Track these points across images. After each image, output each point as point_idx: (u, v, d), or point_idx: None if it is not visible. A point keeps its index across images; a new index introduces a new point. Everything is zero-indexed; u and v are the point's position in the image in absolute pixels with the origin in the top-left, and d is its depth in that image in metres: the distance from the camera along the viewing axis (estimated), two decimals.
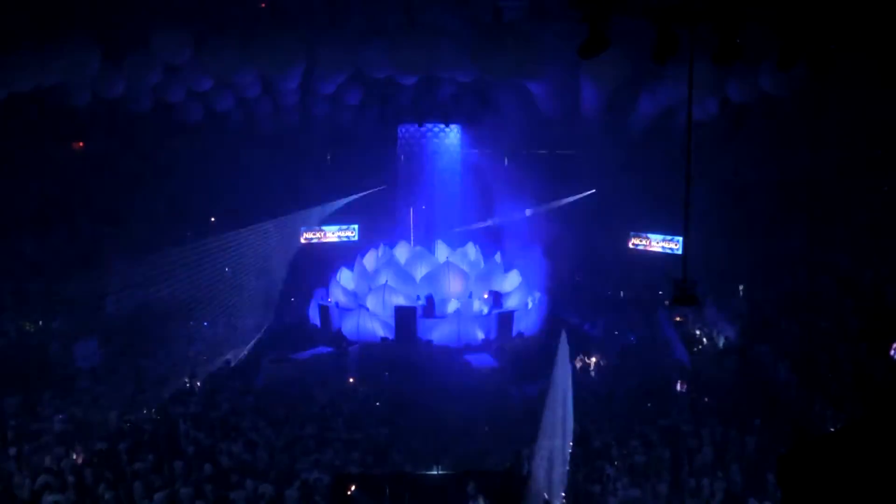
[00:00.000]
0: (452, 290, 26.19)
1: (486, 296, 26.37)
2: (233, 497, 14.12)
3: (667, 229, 31.46)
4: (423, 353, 23.97)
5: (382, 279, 26.13)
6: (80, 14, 19.31)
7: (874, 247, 24.15)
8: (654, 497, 14.58)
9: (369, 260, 27.85)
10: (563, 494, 14.30)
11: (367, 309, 25.41)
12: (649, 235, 33.62)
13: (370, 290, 26.32)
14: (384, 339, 24.83)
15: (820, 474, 6.20)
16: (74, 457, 15.78)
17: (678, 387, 21.05)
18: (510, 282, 27.49)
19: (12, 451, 15.88)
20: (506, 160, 36.91)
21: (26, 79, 19.56)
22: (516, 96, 27.75)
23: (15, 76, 19.41)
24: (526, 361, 23.79)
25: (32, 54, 18.92)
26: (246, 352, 24.96)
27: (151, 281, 29.12)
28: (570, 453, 16.24)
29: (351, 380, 21.91)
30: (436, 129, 28.79)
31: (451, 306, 25.53)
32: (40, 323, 24.84)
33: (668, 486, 14.80)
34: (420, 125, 28.94)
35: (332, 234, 35.56)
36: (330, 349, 24.39)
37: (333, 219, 35.43)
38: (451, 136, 33.44)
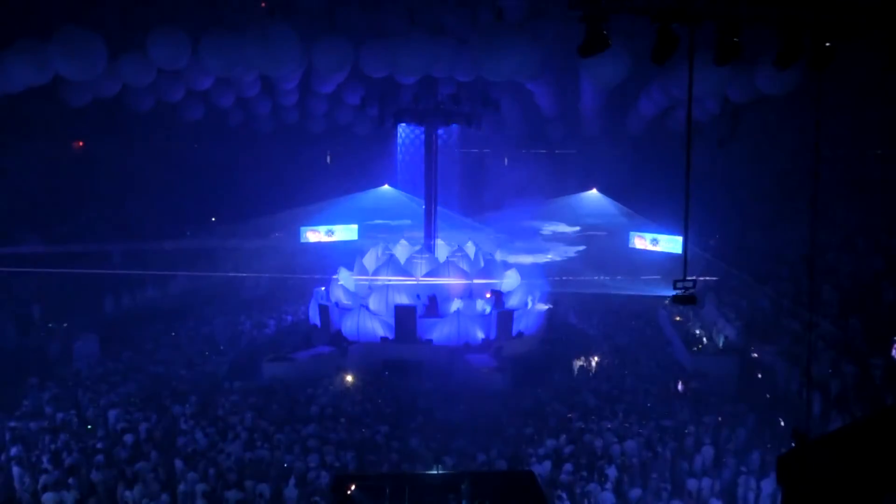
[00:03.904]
0: (453, 289, 26.18)
1: (488, 295, 26.38)
2: (232, 497, 14.14)
3: (667, 229, 31.50)
4: (423, 352, 23.97)
5: (383, 279, 26.13)
6: (78, 13, 19.35)
7: (874, 246, 24.17)
8: (655, 496, 14.59)
9: (369, 260, 27.84)
10: (564, 494, 14.30)
11: (368, 308, 25.40)
12: (649, 235, 33.68)
13: (370, 289, 26.31)
14: (384, 339, 24.83)
15: (820, 474, 6.20)
16: (74, 456, 15.75)
17: (678, 387, 21.05)
18: (510, 281, 27.48)
19: (13, 450, 15.89)
20: (506, 160, 37.02)
21: (24, 77, 19.60)
22: (516, 96, 27.78)
23: (13, 74, 19.46)
24: (526, 361, 23.81)
25: (31, 52, 18.95)
26: (246, 352, 24.92)
27: (151, 280, 29.18)
28: (571, 453, 16.26)
29: (348, 378, 21.90)
30: (435, 129, 28.76)
31: (454, 306, 25.53)
32: (40, 323, 24.81)
33: (668, 486, 14.80)
34: (420, 124, 28.91)
35: (331, 233, 35.58)
36: (330, 349, 24.38)
37: (333, 218, 35.47)
38: (451, 136, 33.46)
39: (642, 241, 33.95)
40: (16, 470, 15.01)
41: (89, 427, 17.76)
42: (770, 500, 14.29)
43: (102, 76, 20.73)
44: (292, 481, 14.47)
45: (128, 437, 16.87)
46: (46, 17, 19.07)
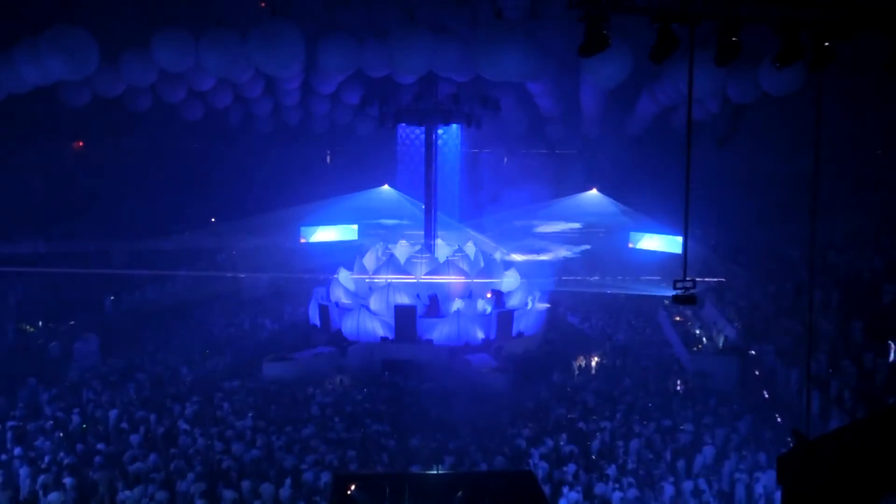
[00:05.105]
0: (453, 289, 26.18)
1: (489, 295, 26.38)
2: (232, 496, 14.14)
3: (667, 229, 31.49)
4: (423, 352, 23.95)
5: (384, 278, 26.12)
6: (79, 13, 19.37)
7: (874, 246, 24.16)
8: (655, 496, 14.59)
9: (369, 260, 27.84)
10: (565, 494, 14.30)
11: (368, 308, 25.39)
12: (650, 235, 33.68)
13: (371, 289, 26.29)
14: (384, 339, 24.82)
15: (820, 474, 6.21)
16: (74, 456, 15.77)
17: (678, 387, 21.06)
18: (510, 281, 27.47)
19: (17, 450, 15.90)
20: (505, 159, 37.04)
21: (30, 77, 19.63)
22: (516, 96, 27.76)
23: (14, 75, 19.48)
24: (526, 361, 23.81)
25: (31, 53, 18.97)
26: (246, 352, 24.90)
27: (151, 280, 29.18)
28: (571, 452, 16.27)
29: (349, 378, 21.92)
30: (435, 129, 28.74)
31: (455, 305, 25.51)
32: (40, 323, 24.81)
33: (668, 486, 14.79)
34: (420, 124, 28.89)
35: (331, 233, 35.57)
36: (330, 349, 24.36)
37: (333, 218, 35.46)
38: (451, 136, 33.42)
39: (643, 242, 33.95)
40: (22, 470, 15.02)
41: (84, 426, 17.76)
42: (769, 500, 14.30)
43: (101, 76, 20.75)
44: (288, 482, 14.49)
45: (127, 437, 16.90)
46: (50, 17, 19.08)
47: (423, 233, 28.65)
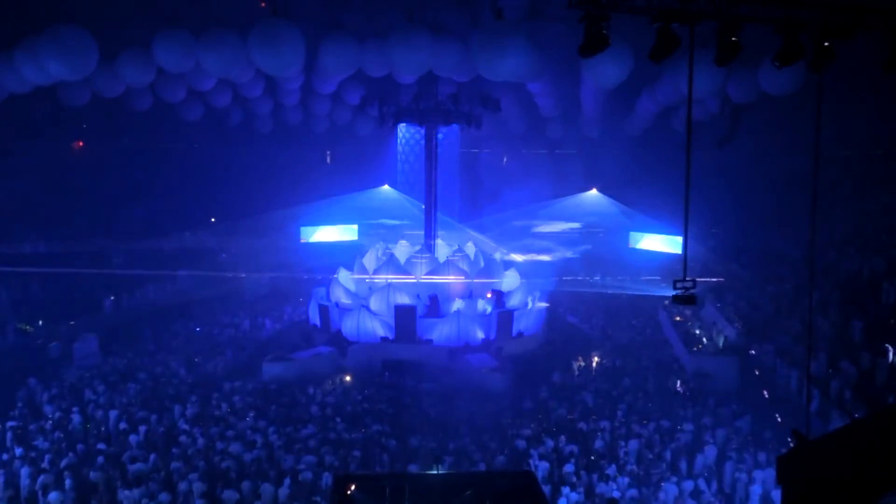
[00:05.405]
0: (453, 289, 26.18)
1: (489, 295, 26.39)
2: (231, 497, 14.14)
3: (667, 229, 31.51)
4: (423, 352, 23.95)
5: (384, 279, 26.11)
6: (80, 13, 19.40)
7: (874, 246, 24.16)
8: (655, 496, 14.59)
9: (369, 260, 27.84)
10: (565, 494, 14.30)
11: (368, 308, 25.39)
12: (650, 235, 33.71)
13: (371, 289, 26.29)
14: (384, 339, 24.81)
15: (820, 474, 6.21)
16: (73, 456, 15.76)
17: (678, 387, 21.07)
18: (510, 281, 27.47)
19: (18, 450, 15.90)
20: (505, 159, 37.07)
21: (25, 78, 19.65)
22: (516, 96, 27.79)
23: (14, 75, 19.51)
24: (526, 361, 23.81)
25: (32, 53, 18.99)
26: (246, 352, 24.93)
27: (150, 280, 29.19)
28: (571, 452, 16.27)
29: (347, 378, 21.93)
30: (436, 129, 28.75)
31: (455, 305, 25.51)
32: (40, 323, 24.83)
33: (669, 486, 14.80)
34: (420, 124, 28.91)
35: (331, 233, 35.60)
36: (330, 349, 24.37)
37: (333, 218, 35.49)
38: (451, 136, 33.40)
39: (643, 242, 33.99)
40: (22, 470, 15.02)
41: (88, 425, 17.78)
42: (769, 500, 14.30)
43: (101, 76, 20.78)
44: (287, 481, 14.50)
45: (127, 438, 16.90)
46: (50, 17, 19.12)
47: (423, 233, 28.64)
